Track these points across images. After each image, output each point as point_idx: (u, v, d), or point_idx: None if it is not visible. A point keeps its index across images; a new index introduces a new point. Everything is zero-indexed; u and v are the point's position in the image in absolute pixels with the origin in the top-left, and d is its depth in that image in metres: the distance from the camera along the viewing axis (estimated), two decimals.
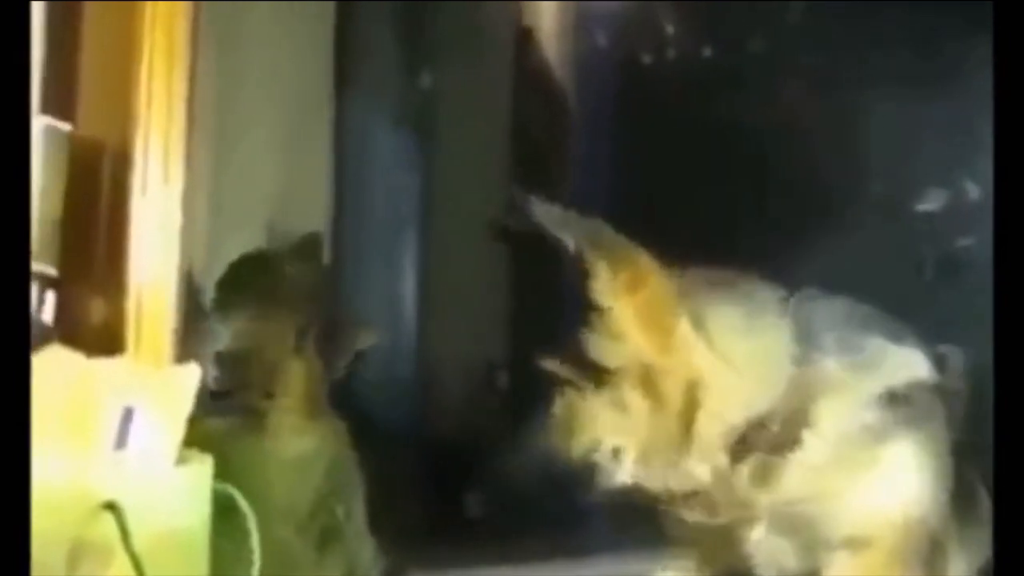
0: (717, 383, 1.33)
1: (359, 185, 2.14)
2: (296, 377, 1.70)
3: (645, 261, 1.36)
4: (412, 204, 2.23)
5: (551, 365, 1.39)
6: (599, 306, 1.31)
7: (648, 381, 1.35)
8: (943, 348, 1.93)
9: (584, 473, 1.36)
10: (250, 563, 1.46)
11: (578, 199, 2.13)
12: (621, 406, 1.36)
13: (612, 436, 1.36)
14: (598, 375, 1.35)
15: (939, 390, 1.85)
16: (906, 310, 1.95)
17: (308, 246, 1.73)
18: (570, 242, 1.34)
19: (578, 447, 1.37)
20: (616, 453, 1.36)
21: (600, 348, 1.35)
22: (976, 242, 1.96)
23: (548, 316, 2.13)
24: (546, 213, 1.37)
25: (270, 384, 1.67)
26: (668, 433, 1.35)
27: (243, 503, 1.49)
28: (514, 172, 2.22)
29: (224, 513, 1.46)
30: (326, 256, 1.97)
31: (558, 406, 1.38)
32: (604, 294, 1.33)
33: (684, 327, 1.34)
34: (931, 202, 1.95)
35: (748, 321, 1.37)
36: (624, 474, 1.35)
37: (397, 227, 2.23)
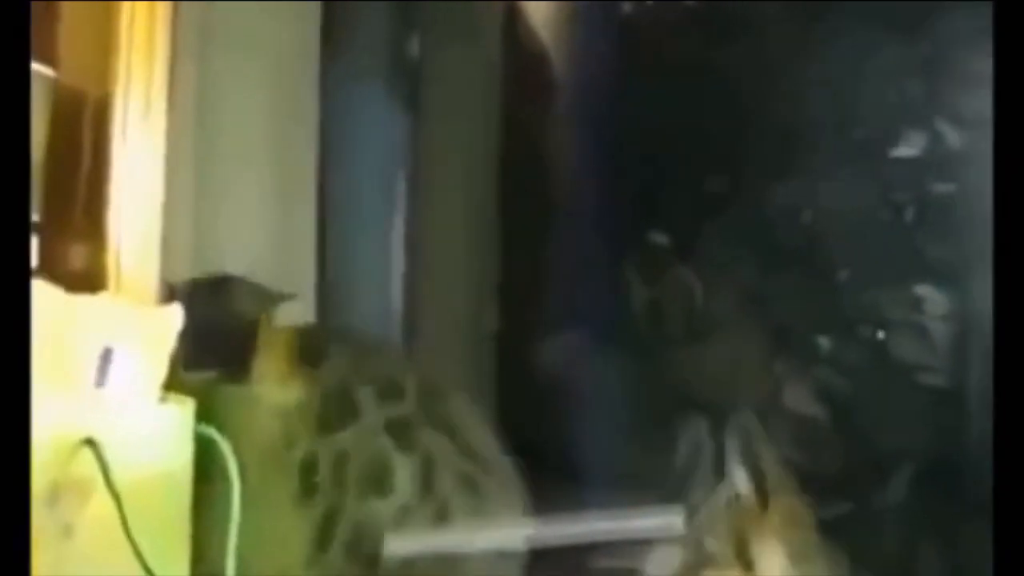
0: None
1: (346, 146, 2.12)
2: (274, 334, 1.70)
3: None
4: (399, 170, 2.21)
5: None
6: None
7: None
8: (921, 289, 1.96)
9: None
10: (229, 505, 1.48)
11: (570, 155, 2.19)
12: None
13: None
14: None
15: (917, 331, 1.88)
16: (886, 253, 1.97)
17: None
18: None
19: None
20: None
21: None
22: (955, 187, 1.96)
23: (538, 281, 2.14)
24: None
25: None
26: None
27: (225, 446, 1.50)
28: (503, 140, 2.20)
29: (206, 456, 1.48)
30: (312, 213, 2.00)
31: None
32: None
33: None
34: (908, 147, 1.96)
35: None
36: None
37: (384, 189, 2.21)
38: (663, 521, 1.65)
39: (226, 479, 1.49)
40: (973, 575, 1.85)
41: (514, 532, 1.64)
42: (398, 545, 1.58)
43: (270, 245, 1.97)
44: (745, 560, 1.53)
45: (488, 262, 2.21)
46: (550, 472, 1.75)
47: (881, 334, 1.95)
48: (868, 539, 1.93)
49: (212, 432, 1.49)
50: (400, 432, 1.64)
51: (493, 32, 2.23)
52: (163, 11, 1.78)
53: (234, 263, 1.83)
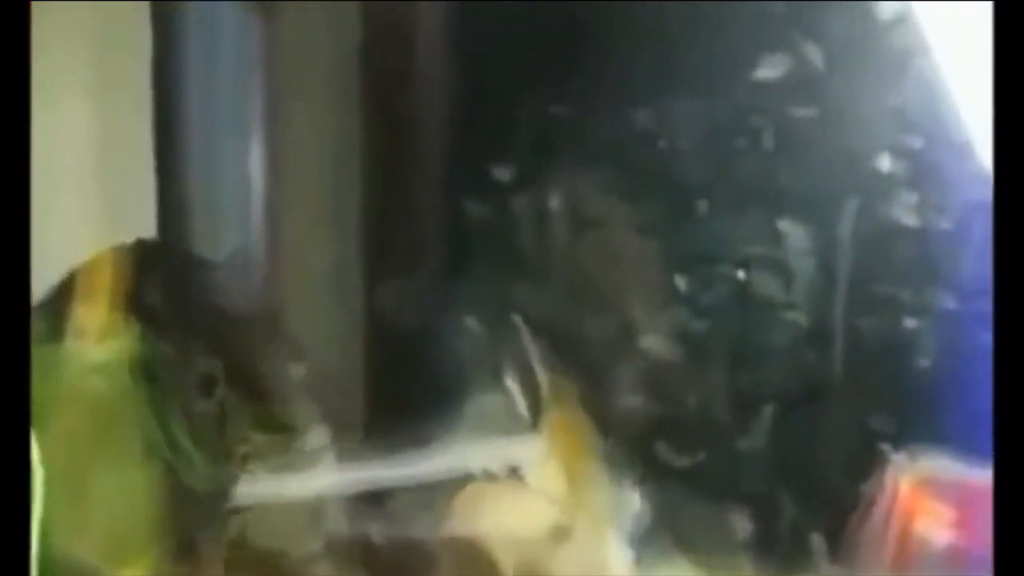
0: None
1: (193, 55, 1.99)
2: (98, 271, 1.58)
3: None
4: (255, 81, 2.05)
5: None
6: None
7: None
8: (782, 223, 1.86)
9: None
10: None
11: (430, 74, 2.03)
12: None
13: None
14: None
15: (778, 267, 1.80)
16: (746, 183, 1.88)
17: None
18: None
19: None
20: None
21: None
22: (818, 112, 1.84)
23: (402, 218, 2.01)
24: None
25: None
26: None
27: None
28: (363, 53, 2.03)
29: None
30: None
31: None
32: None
33: None
34: (770, 69, 1.85)
35: None
36: None
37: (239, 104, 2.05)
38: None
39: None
40: (835, 518, 1.78)
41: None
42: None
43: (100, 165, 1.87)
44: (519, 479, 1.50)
45: (349, 195, 2.05)
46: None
47: (741, 273, 1.85)
48: (728, 485, 1.85)
49: None
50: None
51: None
52: None
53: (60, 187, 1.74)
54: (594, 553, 1.55)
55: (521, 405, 1.52)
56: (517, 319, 1.56)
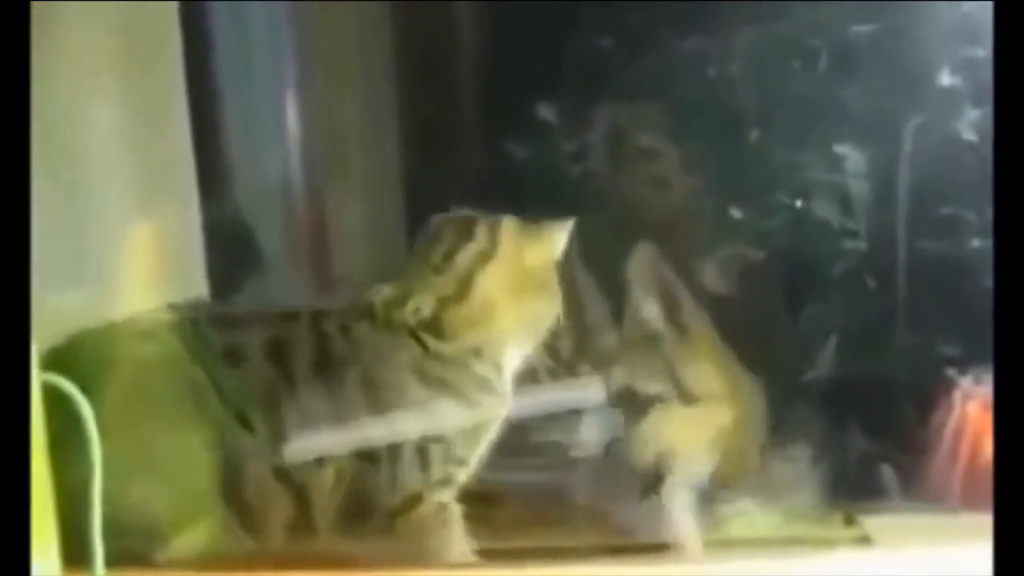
0: None
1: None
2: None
3: None
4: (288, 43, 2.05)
5: None
6: None
7: None
8: (840, 148, 1.81)
9: None
10: (90, 456, 1.33)
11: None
12: None
13: None
14: None
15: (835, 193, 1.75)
16: (801, 108, 1.82)
17: None
18: None
19: None
20: None
21: None
22: (876, 28, 1.79)
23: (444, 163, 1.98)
24: None
25: None
26: None
27: (74, 392, 1.32)
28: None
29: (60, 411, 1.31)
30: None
31: None
32: None
33: None
34: None
35: None
36: None
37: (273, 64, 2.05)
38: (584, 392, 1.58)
39: (84, 436, 1.31)
40: (904, 447, 1.76)
41: None
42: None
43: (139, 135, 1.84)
44: (683, 391, 1.54)
45: (388, 144, 2.04)
46: None
47: (799, 201, 1.80)
48: (794, 419, 1.80)
49: (62, 382, 1.29)
50: None
51: None
52: None
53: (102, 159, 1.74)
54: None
55: (659, 321, 1.54)
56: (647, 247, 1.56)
